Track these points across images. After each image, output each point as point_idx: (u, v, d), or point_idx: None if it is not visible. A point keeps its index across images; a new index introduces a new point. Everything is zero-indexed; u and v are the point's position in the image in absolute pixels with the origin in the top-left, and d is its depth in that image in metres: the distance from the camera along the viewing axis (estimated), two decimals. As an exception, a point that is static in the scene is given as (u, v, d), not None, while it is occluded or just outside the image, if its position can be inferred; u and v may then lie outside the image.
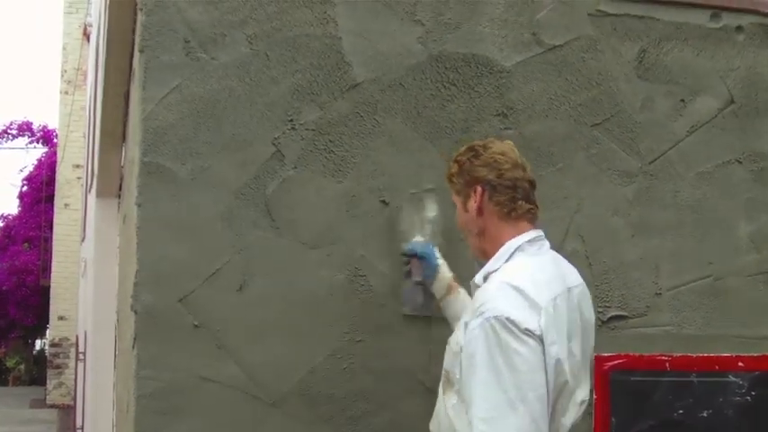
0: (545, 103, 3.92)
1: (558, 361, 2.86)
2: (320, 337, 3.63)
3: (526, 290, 2.88)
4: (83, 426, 10.08)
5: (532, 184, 3.16)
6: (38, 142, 30.82)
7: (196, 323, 3.53)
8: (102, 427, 6.79)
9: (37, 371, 29.68)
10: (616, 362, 3.85)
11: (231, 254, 3.58)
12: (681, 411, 3.91)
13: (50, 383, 23.36)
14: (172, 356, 3.51)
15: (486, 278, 3.03)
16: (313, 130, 3.69)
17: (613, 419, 3.83)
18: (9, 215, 30.69)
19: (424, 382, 3.65)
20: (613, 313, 3.91)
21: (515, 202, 3.09)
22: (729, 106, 4.15)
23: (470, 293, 3.16)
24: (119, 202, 5.92)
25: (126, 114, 5.71)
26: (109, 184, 6.17)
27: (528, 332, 2.80)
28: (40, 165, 29.09)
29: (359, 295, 3.66)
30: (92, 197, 8.61)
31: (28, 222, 28.12)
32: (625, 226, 3.97)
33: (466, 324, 2.94)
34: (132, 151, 3.99)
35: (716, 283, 4.06)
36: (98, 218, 6.98)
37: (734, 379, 3.98)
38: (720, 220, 4.10)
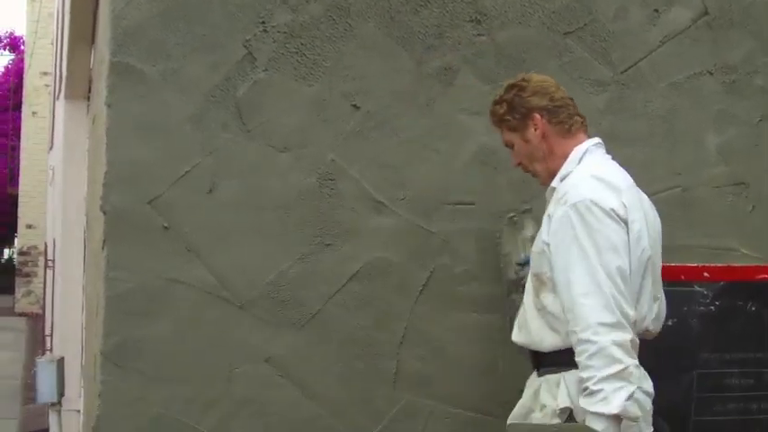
0: (518, 10, 3.89)
1: (641, 237, 3.05)
2: (290, 240, 3.64)
3: (606, 176, 3.11)
4: (51, 333, 10.09)
5: (572, 99, 3.33)
6: (4, 49, 30.41)
7: (166, 225, 3.52)
8: (70, 333, 6.81)
9: (5, 279, 29.60)
10: (583, 270, 3.87)
11: (201, 156, 3.56)
12: (646, 319, 3.94)
13: (19, 292, 23.36)
14: (141, 258, 3.51)
15: (562, 180, 3.18)
16: (285, 32, 3.65)
17: (579, 326, 3.86)
18: (-25, 123, 30.35)
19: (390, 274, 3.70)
20: (582, 222, 3.92)
21: (572, 117, 3.27)
22: (703, 17, 4.12)
23: (547, 201, 3.25)
24: (88, 105, 5.86)
25: (96, 15, 5.63)
26: (78, 86, 6.10)
27: (612, 212, 2.99)
28: (6, 72, 28.73)
29: (328, 199, 3.66)
30: (60, 104, 8.52)
31: (-5, 130, 27.84)
32: (596, 135, 3.95)
33: (549, 216, 3.09)
34: (102, 52, 3.94)
35: (684, 193, 4.07)
36: (67, 123, 6.91)
37: (699, 289, 4.01)
38: (690, 131, 4.10)
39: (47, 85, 21.47)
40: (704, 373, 4.01)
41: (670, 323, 3.93)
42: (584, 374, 2.85)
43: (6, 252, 32.82)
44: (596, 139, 3.29)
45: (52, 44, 17.23)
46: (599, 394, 2.82)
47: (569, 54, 3.94)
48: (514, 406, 3.28)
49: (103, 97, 3.57)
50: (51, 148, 13.49)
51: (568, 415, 2.99)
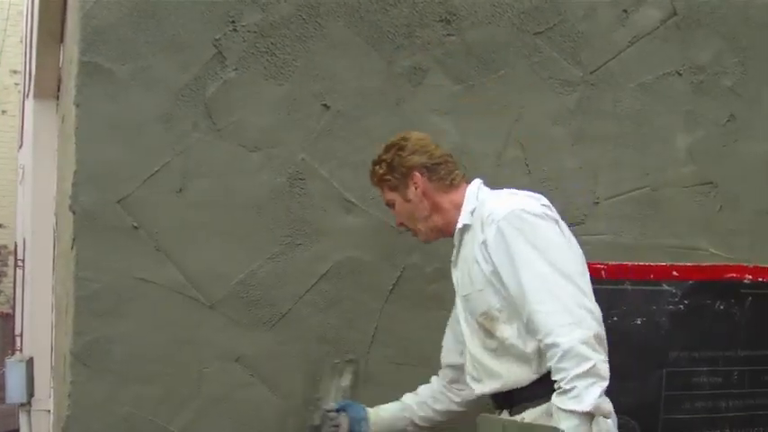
0: (488, 10, 3.90)
1: (571, 234, 3.12)
2: (260, 240, 3.64)
3: (524, 192, 3.15)
4: (22, 332, 10.03)
5: (451, 155, 3.35)
6: (-26, 47, 30.15)
7: (135, 224, 3.51)
8: (40, 333, 6.77)
9: (-26, 279, 29.37)
10: (553, 269, 3.88)
11: (171, 155, 3.55)
12: (615, 318, 3.95)
13: (-12, 291, 23.15)
14: (111, 258, 3.50)
15: (472, 213, 3.17)
16: (255, 32, 3.65)
17: (548, 325, 3.87)
18: (-55, 121, 30.08)
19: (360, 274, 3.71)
20: (551, 221, 3.94)
21: (452, 173, 3.28)
22: (672, 18, 4.15)
23: (456, 242, 3.23)
24: (57, 104, 5.83)
25: (65, 14, 5.60)
26: (47, 85, 6.07)
27: (543, 214, 3.01)
28: (-24, 70, 28.49)
29: (299, 198, 3.66)
30: (29, 103, 8.47)
31: (-36, 128, 27.61)
32: (565, 135, 3.99)
33: (483, 243, 3.04)
34: (71, 51, 3.93)
35: (653, 193, 4.10)
36: (36, 122, 6.87)
37: (668, 288, 4.02)
38: (659, 131, 4.12)
39: (16, 84, 21.28)
40: (673, 372, 4.02)
41: (639, 321, 3.96)
42: (557, 376, 2.84)
43: (-24, 251, 32.56)
44: (478, 180, 3.30)
45: (21, 42, 17.09)
46: (571, 392, 2.80)
47: (539, 54, 3.96)
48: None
49: (72, 96, 3.55)
50: (21, 147, 13.40)
51: None
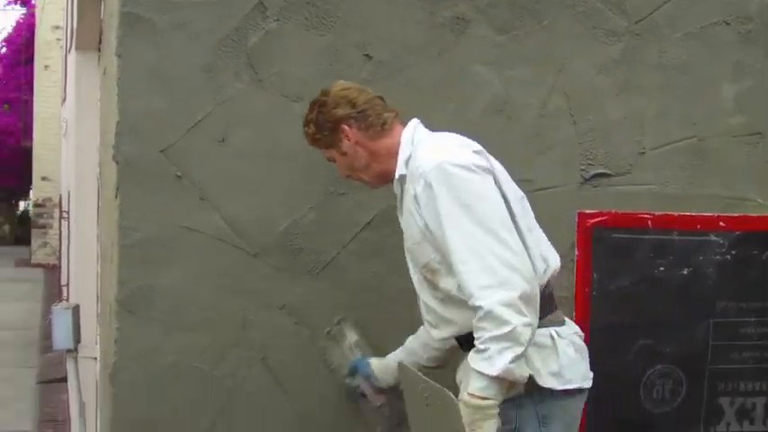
0: (533, -42, 3.86)
1: (507, 178, 3.04)
2: (302, 189, 3.64)
3: (452, 140, 3.05)
4: (68, 284, 10.15)
5: (381, 97, 3.24)
6: (16, 3, 30.32)
7: (178, 173, 3.53)
8: (86, 283, 6.83)
9: (21, 231, 29.73)
10: (599, 219, 3.87)
11: (213, 105, 3.56)
12: (661, 269, 3.95)
13: (35, 243, 23.48)
14: (154, 207, 3.52)
15: (407, 163, 3.08)
16: (297, -19, 3.63)
17: (595, 275, 3.87)
18: (-11, 77, 30.30)
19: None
20: (597, 171, 3.91)
21: (381, 116, 3.18)
22: (720, -35, 4.09)
23: (396, 192, 3.17)
24: (99, 56, 5.84)
25: (106, -34, 5.60)
26: (88, 38, 6.09)
27: (471, 165, 2.89)
28: (18, 26, 28.66)
29: (342, 148, 3.65)
30: (71, 56, 8.50)
31: (7, 84, 27.80)
32: (610, 85, 3.95)
33: (415, 197, 2.97)
34: (111, 3, 3.92)
35: (700, 143, 4.05)
36: (78, 74, 6.89)
37: (714, 238, 4.01)
38: (706, 81, 4.07)
39: (58, 39, 21.42)
40: (720, 322, 4.03)
41: (686, 272, 3.96)
42: (476, 335, 2.78)
43: (22, 205, 32.93)
44: (415, 120, 3.20)
45: (64, -4, 17.16)
46: (484, 353, 2.75)
47: (583, 3, 3.91)
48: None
49: (114, 48, 3.56)
50: (64, 101, 13.49)
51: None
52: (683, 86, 4.03)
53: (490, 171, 2.94)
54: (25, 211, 31.27)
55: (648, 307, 3.94)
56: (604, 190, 3.93)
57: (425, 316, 3.19)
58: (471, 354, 2.80)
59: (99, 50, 5.76)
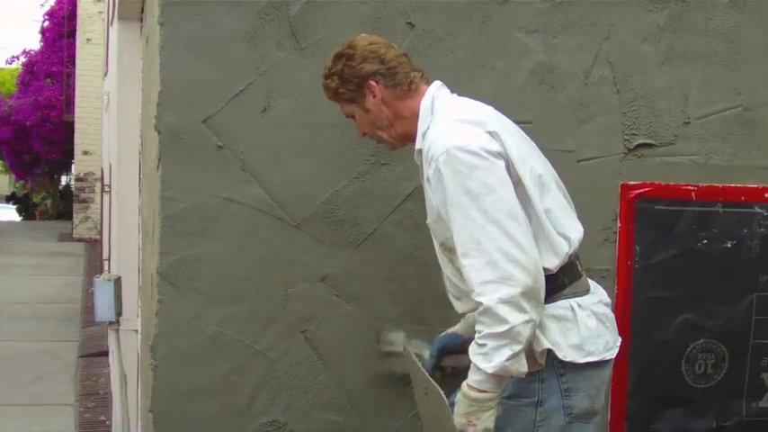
0: (577, -75, 3.80)
1: (523, 158, 2.91)
2: (344, 160, 3.62)
3: (464, 115, 2.94)
4: (109, 257, 10.21)
5: (406, 55, 3.17)
6: (59, -24, 30.44)
7: (220, 144, 3.52)
8: (127, 256, 6.86)
9: (63, 205, 29.91)
10: (642, 190, 3.83)
11: (255, 75, 3.54)
12: (705, 241, 3.91)
13: (77, 218, 23.60)
14: (196, 177, 3.52)
15: (424, 136, 3.02)
16: (339, -51, 3.60)
17: (637, 247, 3.83)
18: (31, 50, 30.42)
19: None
20: (641, 141, 3.87)
21: (408, 75, 3.09)
22: (768, -69, 4.01)
23: (417, 162, 3.12)
24: (141, 26, 5.85)
25: (147, -63, 5.60)
26: (131, 8, 6.10)
27: (481, 150, 2.81)
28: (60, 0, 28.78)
29: (383, 118, 3.62)
30: (114, 29, 8.52)
31: (50, 58, 27.90)
32: (655, 53, 3.89)
33: (428, 179, 2.93)
34: (154, -29, 3.92)
35: (746, 113, 3.99)
36: (120, 44, 6.90)
37: (759, 210, 3.96)
38: (753, 49, 4.00)
39: (100, 12, 21.48)
40: (764, 296, 3.98)
41: (729, 245, 3.91)
42: (477, 328, 2.76)
43: (64, 179, 33.15)
44: (437, 83, 3.12)
45: (105, -30, 17.21)
46: (482, 348, 2.74)
47: (629, -30, 3.85)
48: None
49: (156, 16, 3.55)
50: (106, 74, 13.54)
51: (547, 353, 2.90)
52: (728, 55, 3.97)
53: (501, 155, 2.85)
54: (67, 186, 31.45)
55: (691, 280, 3.90)
56: (648, 161, 3.88)
57: (449, 288, 3.18)
58: (471, 345, 2.80)
59: (141, 20, 5.76)
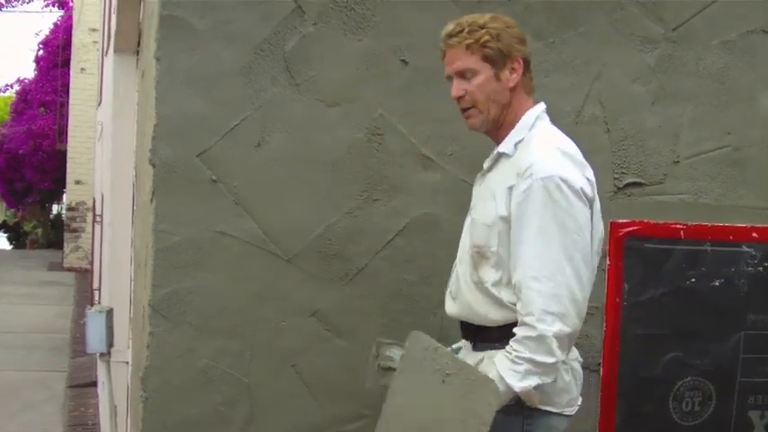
0: (570, -35, 3.85)
1: (600, 216, 2.98)
2: (337, 195, 3.65)
3: (570, 150, 2.94)
4: (99, 287, 10.20)
5: None
6: (53, 5, 30.50)
7: (214, 178, 3.55)
8: (119, 286, 6.86)
9: (54, 235, 29.85)
10: (631, 228, 3.85)
11: (250, 109, 3.57)
12: (693, 279, 3.93)
13: (67, 247, 23.55)
14: (190, 211, 3.54)
15: (515, 146, 3.00)
16: (334, -14, 3.64)
17: (626, 285, 3.85)
18: (26, 79, 30.48)
19: (437, 230, 3.70)
20: (630, 180, 3.90)
21: (532, 80, 3.10)
22: (757, -27, 4.07)
23: (491, 160, 3.09)
24: (137, 59, 5.88)
25: (144, -29, 5.64)
26: (127, 40, 6.13)
27: (581, 191, 2.85)
28: (56, 29, 28.80)
29: (376, 154, 3.66)
30: (108, 59, 8.56)
31: (44, 86, 27.94)
32: (645, 93, 3.94)
33: (510, 189, 2.90)
34: (151, 5, 3.95)
35: (735, 153, 4.03)
36: (116, 76, 6.93)
37: (747, 249, 3.98)
38: (742, 90, 4.05)
39: (95, 42, 21.54)
40: (751, 335, 3.99)
41: (717, 283, 3.93)
42: (515, 345, 2.78)
43: (55, 208, 33.09)
44: (543, 104, 3.08)
45: (100, 0, 17.27)
46: (517, 366, 2.76)
47: (620, 11, 3.90)
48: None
49: (153, 50, 3.58)
50: (100, 104, 13.57)
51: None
52: (718, 95, 4.01)
53: (590, 205, 2.91)
54: (58, 215, 31.40)
55: (679, 318, 3.91)
56: (637, 199, 3.92)
57: (450, 285, 3.18)
58: (501, 355, 2.80)
59: (137, 53, 5.79)
